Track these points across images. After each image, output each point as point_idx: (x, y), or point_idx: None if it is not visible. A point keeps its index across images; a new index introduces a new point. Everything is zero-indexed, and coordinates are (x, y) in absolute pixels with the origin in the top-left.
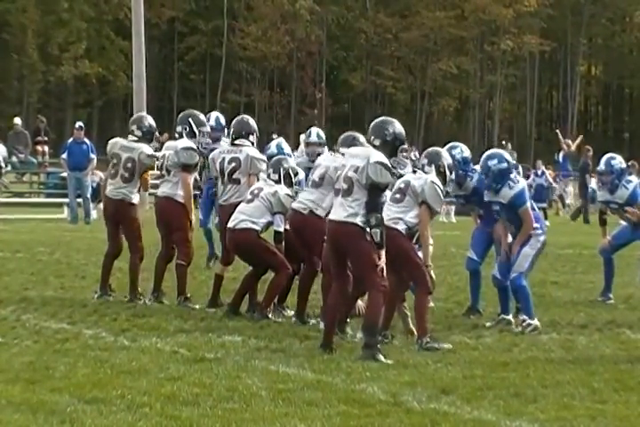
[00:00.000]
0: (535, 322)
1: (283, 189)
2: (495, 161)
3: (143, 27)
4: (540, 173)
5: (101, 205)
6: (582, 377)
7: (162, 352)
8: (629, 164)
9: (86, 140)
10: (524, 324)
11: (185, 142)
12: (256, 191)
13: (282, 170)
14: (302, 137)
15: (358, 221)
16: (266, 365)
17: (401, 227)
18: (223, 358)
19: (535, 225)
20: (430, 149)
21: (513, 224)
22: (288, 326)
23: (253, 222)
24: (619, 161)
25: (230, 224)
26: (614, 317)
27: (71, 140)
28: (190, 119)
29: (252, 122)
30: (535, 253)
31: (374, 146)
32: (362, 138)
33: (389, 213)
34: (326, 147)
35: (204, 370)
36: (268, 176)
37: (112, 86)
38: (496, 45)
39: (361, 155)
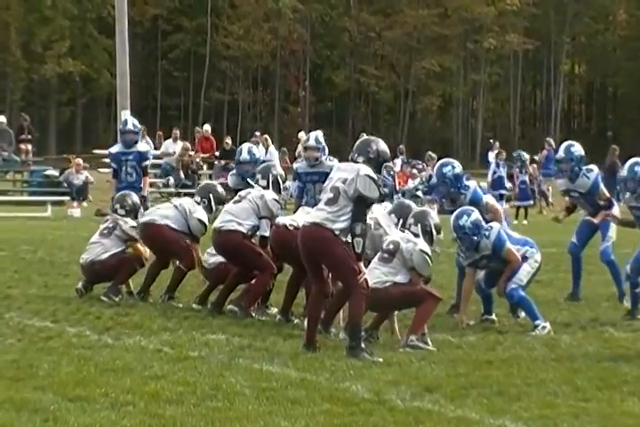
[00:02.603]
0: (547, 324)
1: (270, 194)
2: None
3: (127, 25)
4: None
5: (85, 204)
6: (565, 375)
7: (145, 351)
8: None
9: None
10: (538, 328)
11: (201, 214)
12: (244, 193)
13: (270, 176)
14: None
15: (334, 227)
16: (250, 363)
17: (389, 285)
18: (207, 356)
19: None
20: (417, 210)
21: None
22: (272, 324)
23: (239, 224)
24: (578, 148)
25: (216, 224)
26: (598, 315)
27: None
28: (211, 195)
29: None
30: (533, 273)
31: (357, 163)
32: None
33: (377, 273)
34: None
35: (188, 368)
36: (256, 182)
37: (95, 84)
38: (479, 44)
39: (350, 169)
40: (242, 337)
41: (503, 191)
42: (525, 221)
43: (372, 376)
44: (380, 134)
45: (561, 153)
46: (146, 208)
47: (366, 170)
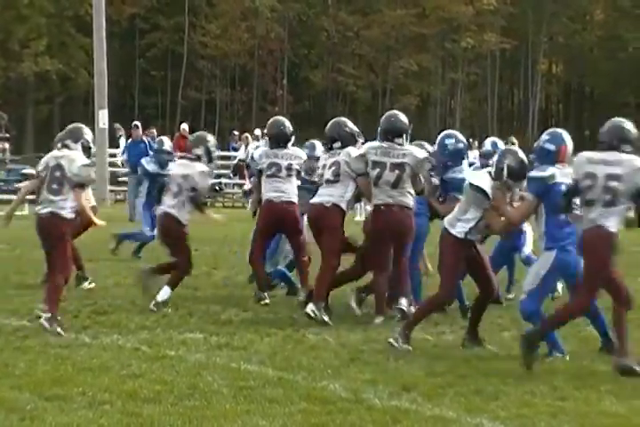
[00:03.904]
0: None
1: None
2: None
3: (104, 23)
4: None
5: None
6: (543, 374)
7: (123, 349)
8: None
9: (144, 138)
10: None
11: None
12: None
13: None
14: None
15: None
16: (227, 362)
17: (456, 231)
18: (184, 355)
19: None
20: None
21: None
22: (249, 323)
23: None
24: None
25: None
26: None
27: (129, 140)
28: (346, 128)
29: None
30: None
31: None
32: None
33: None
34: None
35: (166, 367)
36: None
37: (73, 83)
38: (457, 43)
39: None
40: (219, 336)
41: None
42: None
43: (349, 375)
44: None
45: (489, 147)
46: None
47: None
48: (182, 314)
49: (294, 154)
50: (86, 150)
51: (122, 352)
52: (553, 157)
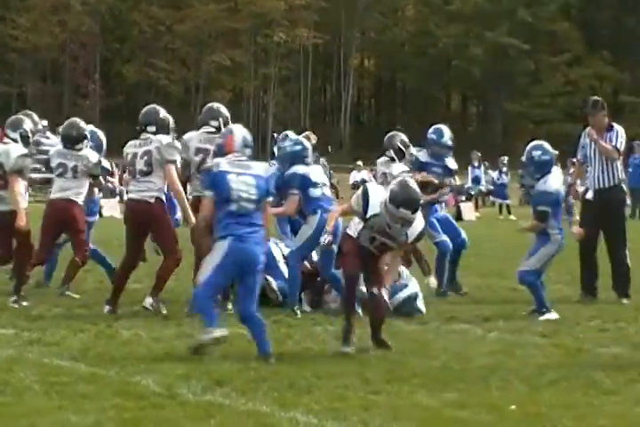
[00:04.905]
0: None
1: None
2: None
3: None
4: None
5: None
6: (355, 368)
7: None
8: None
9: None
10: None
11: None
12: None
13: None
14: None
15: None
16: (39, 358)
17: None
18: None
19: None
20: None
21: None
22: (62, 318)
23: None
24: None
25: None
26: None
27: None
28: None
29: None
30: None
31: None
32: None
33: None
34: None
35: None
36: None
37: None
38: (269, 38)
39: None
40: (31, 331)
41: None
42: None
43: (162, 370)
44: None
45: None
46: None
47: None
48: None
49: (84, 155)
50: (25, 139)
51: None
52: (223, 150)
